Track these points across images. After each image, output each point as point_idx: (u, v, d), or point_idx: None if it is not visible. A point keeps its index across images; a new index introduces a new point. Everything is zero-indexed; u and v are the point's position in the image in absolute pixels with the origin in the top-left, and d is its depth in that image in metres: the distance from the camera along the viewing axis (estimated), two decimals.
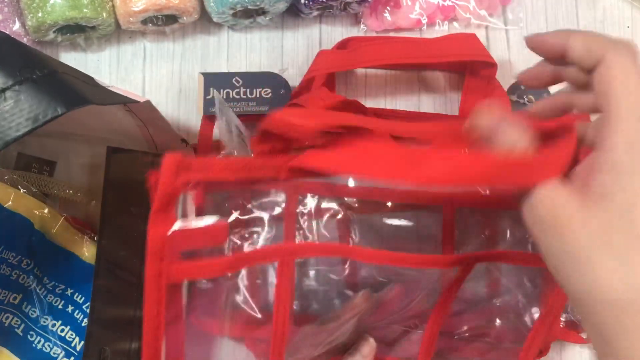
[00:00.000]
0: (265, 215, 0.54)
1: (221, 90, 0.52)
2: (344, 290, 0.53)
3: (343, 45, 0.56)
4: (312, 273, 0.52)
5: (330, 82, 0.56)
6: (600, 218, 0.30)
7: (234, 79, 0.52)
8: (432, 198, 0.54)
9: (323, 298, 0.53)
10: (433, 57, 0.54)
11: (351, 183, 0.55)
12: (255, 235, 0.54)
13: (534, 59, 0.58)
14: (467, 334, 0.53)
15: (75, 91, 0.35)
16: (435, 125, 0.41)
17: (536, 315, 0.53)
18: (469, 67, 0.55)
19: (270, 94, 0.53)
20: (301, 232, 0.54)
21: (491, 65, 0.53)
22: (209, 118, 0.53)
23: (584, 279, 0.31)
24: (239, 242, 0.53)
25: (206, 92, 0.51)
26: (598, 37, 0.33)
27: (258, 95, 0.53)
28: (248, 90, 0.52)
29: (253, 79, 0.53)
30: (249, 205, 0.54)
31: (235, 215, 0.54)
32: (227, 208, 0.54)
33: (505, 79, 0.57)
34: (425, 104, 0.57)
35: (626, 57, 0.32)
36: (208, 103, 0.51)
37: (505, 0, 0.58)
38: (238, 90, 0.52)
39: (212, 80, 0.52)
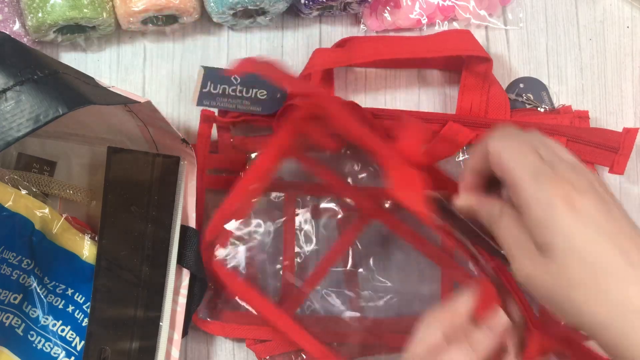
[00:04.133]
0: (264, 217, 0.54)
1: (218, 86, 0.52)
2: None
3: (341, 45, 0.56)
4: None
5: (328, 80, 0.56)
6: (560, 270, 0.34)
7: (233, 76, 0.53)
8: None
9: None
10: (427, 52, 0.54)
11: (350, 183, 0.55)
12: (255, 237, 0.54)
13: (534, 59, 0.58)
14: None
15: (76, 91, 0.35)
16: None
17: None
18: (465, 64, 0.55)
19: (265, 96, 0.53)
20: (302, 232, 0.54)
21: (486, 60, 0.53)
22: (207, 119, 0.53)
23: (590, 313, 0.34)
24: (238, 242, 0.54)
25: (204, 85, 0.52)
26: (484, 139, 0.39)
27: (253, 96, 0.53)
28: (244, 89, 0.53)
29: (251, 79, 0.53)
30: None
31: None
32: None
33: (504, 79, 0.57)
34: (425, 102, 0.57)
35: (501, 138, 0.38)
36: (203, 96, 0.52)
37: (505, 1, 0.58)
38: (235, 87, 0.52)
39: (212, 75, 0.52)
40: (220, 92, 0.52)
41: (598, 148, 0.54)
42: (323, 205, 0.54)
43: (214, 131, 0.54)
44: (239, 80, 0.53)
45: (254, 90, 0.53)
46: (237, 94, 0.53)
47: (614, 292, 0.33)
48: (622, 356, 0.33)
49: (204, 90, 0.52)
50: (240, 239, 0.54)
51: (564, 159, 0.37)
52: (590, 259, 0.34)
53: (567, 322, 0.36)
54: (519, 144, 0.37)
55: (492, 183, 0.40)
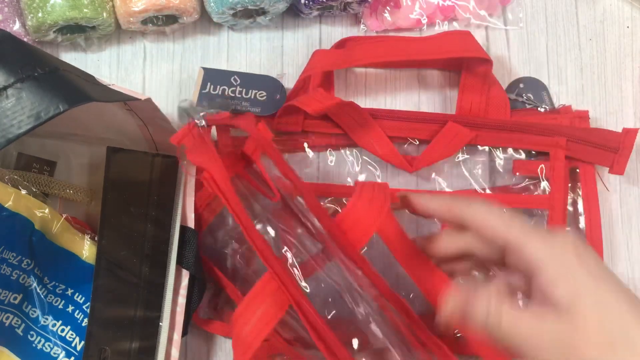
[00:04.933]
0: (264, 217, 0.54)
1: (218, 87, 0.52)
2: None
3: (341, 45, 0.56)
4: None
5: (327, 81, 0.56)
6: (579, 331, 0.32)
7: (233, 77, 0.53)
8: None
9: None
10: (427, 54, 0.54)
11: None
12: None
13: (534, 59, 0.58)
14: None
15: (77, 88, 0.35)
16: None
17: None
18: (465, 65, 0.55)
19: (265, 97, 0.53)
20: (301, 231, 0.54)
21: (486, 62, 0.53)
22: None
23: None
24: (237, 243, 0.53)
25: (203, 85, 0.52)
26: (495, 220, 0.37)
27: (253, 97, 0.53)
28: (244, 90, 0.53)
29: (251, 80, 0.53)
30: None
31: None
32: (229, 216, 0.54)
33: (504, 79, 0.58)
34: (425, 102, 0.57)
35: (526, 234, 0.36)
36: (202, 97, 0.52)
37: (505, 1, 0.58)
38: (234, 89, 0.53)
39: (212, 76, 0.52)
40: (220, 93, 0.53)
41: (598, 148, 0.54)
42: (322, 205, 0.54)
43: (214, 131, 0.54)
44: (238, 81, 0.53)
45: (254, 92, 0.53)
46: (237, 94, 0.53)
47: None
48: None
49: (203, 91, 0.52)
50: (239, 240, 0.54)
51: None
52: (611, 318, 0.32)
53: None
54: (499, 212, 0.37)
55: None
